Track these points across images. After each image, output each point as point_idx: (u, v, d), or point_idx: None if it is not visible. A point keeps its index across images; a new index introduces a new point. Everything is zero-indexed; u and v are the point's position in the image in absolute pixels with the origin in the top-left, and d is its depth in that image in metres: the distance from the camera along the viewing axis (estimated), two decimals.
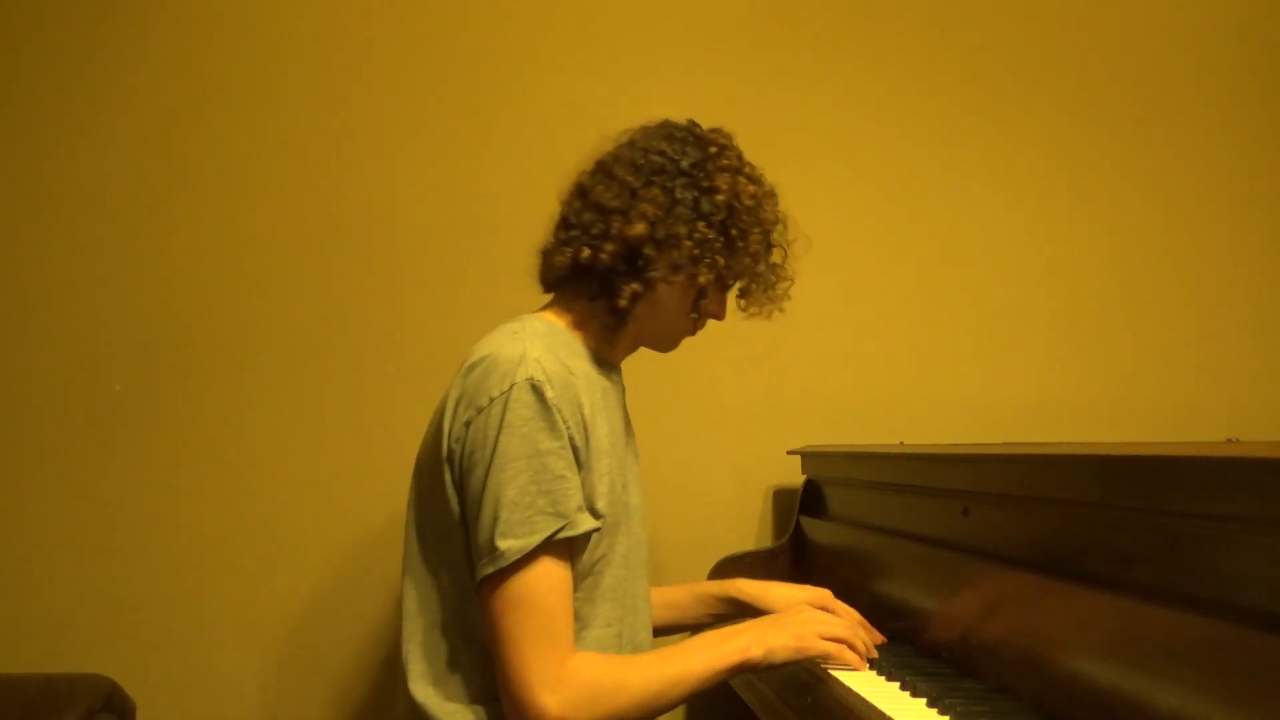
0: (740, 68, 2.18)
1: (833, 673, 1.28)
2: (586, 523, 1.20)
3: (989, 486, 1.34)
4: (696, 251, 1.30)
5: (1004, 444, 1.58)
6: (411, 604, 1.27)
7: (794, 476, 2.06)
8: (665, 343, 1.42)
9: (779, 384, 2.14)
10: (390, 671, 1.99)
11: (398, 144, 2.07)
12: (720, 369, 2.12)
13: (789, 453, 2.02)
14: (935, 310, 2.20)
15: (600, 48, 2.14)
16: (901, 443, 1.93)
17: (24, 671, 1.70)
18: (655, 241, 1.29)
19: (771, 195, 1.39)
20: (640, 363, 1.55)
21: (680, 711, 2.05)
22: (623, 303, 1.30)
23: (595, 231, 1.30)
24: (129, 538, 1.97)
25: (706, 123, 1.41)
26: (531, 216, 1.91)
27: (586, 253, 1.30)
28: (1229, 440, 1.50)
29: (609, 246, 1.29)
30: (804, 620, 1.30)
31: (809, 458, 2.00)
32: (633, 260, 1.30)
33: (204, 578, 1.97)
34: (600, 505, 1.25)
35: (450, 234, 2.07)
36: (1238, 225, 2.31)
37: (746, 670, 1.25)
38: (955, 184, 2.23)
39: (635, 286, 1.30)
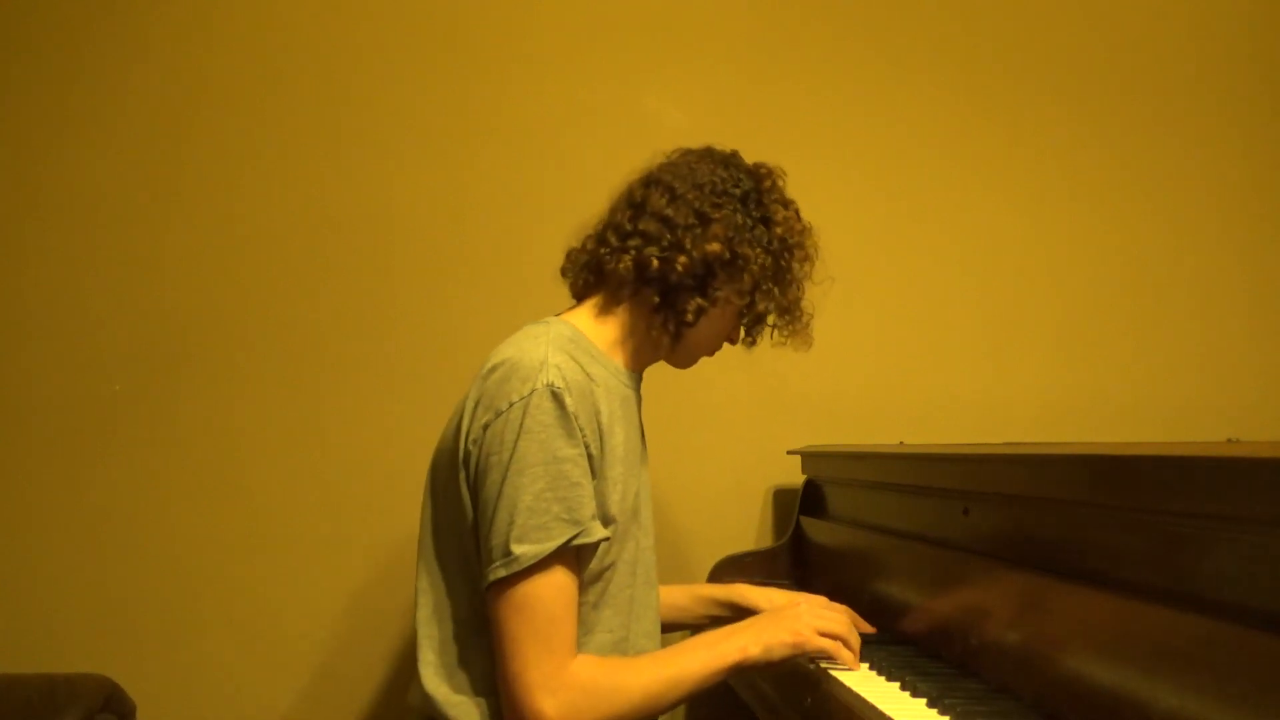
0: (740, 67, 2.18)
1: (832, 673, 1.28)
2: (599, 531, 1.21)
3: (989, 486, 1.34)
4: (759, 278, 1.32)
5: (1004, 444, 1.57)
6: (425, 596, 1.28)
7: (794, 476, 2.05)
8: (689, 360, 1.42)
9: (779, 384, 2.14)
10: (391, 669, 1.99)
11: (396, 144, 2.07)
12: (720, 369, 2.11)
13: (789, 453, 2.02)
14: (936, 310, 2.20)
15: (599, 46, 2.14)
16: (901, 443, 1.93)
17: (24, 671, 1.70)
18: (725, 263, 1.31)
19: (811, 231, 1.40)
20: None
21: (680, 711, 2.05)
22: (689, 317, 1.31)
23: (665, 243, 1.30)
24: (129, 538, 1.97)
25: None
26: (530, 217, 1.90)
27: (656, 263, 1.29)
28: (1229, 440, 1.50)
29: (682, 259, 1.29)
30: (800, 615, 1.30)
31: (809, 458, 2.00)
32: (702, 278, 1.31)
33: (204, 578, 1.98)
34: (613, 512, 1.25)
35: (448, 235, 2.07)
36: (1238, 225, 2.30)
37: (745, 668, 1.25)
38: (956, 184, 2.23)
39: (701, 302, 1.31)
